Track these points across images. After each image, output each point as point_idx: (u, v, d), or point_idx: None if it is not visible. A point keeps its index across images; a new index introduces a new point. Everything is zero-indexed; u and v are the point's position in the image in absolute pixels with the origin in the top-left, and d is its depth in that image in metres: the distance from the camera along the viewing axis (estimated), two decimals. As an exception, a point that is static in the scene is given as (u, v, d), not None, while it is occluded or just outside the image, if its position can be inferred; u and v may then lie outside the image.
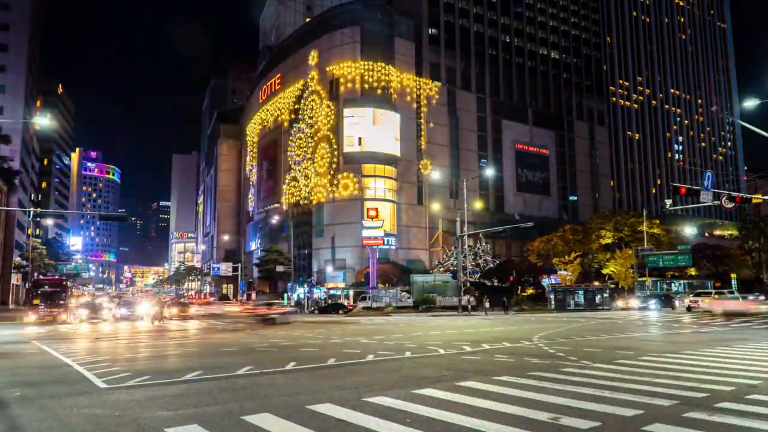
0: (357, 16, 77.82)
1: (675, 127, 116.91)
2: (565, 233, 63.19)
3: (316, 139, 77.45)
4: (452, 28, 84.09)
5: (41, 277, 55.30)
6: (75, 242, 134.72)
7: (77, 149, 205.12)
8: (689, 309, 43.51)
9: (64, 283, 41.68)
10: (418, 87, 78.49)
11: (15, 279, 72.47)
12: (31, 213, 74.60)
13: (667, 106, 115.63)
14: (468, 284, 50.87)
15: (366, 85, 75.00)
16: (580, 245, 62.27)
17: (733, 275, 67.94)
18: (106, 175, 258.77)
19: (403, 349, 17.16)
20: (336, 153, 74.70)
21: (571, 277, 61.34)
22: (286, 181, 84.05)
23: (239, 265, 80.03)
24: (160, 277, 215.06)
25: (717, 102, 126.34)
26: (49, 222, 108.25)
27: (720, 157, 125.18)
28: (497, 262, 64.08)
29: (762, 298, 43.05)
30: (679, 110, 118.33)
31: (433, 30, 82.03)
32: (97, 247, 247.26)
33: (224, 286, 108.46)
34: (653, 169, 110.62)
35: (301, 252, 78.58)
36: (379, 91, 75.04)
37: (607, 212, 75.81)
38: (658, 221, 66.51)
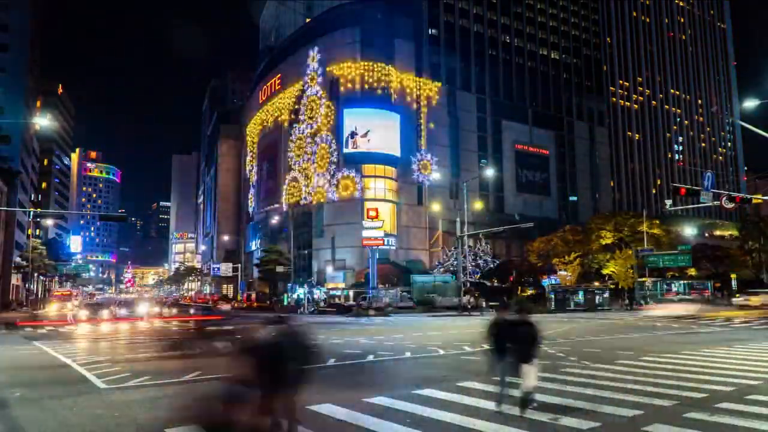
0: (357, 16, 77.82)
1: (675, 127, 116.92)
2: (565, 233, 63.17)
3: (316, 139, 77.49)
4: (452, 29, 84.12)
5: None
6: (75, 242, 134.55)
7: (77, 149, 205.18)
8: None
9: None
10: (418, 87, 78.46)
11: (15, 279, 72.50)
12: (31, 213, 74.62)
13: (667, 107, 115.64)
14: (468, 284, 50.86)
15: (366, 86, 75.02)
16: (580, 245, 62.24)
17: (733, 275, 68.01)
18: (106, 176, 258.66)
19: (403, 349, 17.16)
20: (336, 153, 74.73)
21: (571, 278, 61.32)
22: (286, 181, 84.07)
23: (239, 265, 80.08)
24: (160, 278, 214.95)
25: (717, 102, 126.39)
26: (49, 222, 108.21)
27: (720, 158, 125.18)
28: (497, 262, 64.08)
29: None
30: (679, 110, 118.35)
31: (433, 30, 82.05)
32: (97, 248, 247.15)
33: (224, 286, 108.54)
34: (653, 170, 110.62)
35: (301, 252, 78.55)
36: (379, 92, 75.05)
37: (607, 212, 75.76)
38: (658, 221, 66.46)
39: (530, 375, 8.08)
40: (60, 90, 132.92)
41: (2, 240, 66.35)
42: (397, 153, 74.71)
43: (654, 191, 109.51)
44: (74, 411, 8.68)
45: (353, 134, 73.30)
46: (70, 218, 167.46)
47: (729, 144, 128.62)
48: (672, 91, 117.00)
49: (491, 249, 66.92)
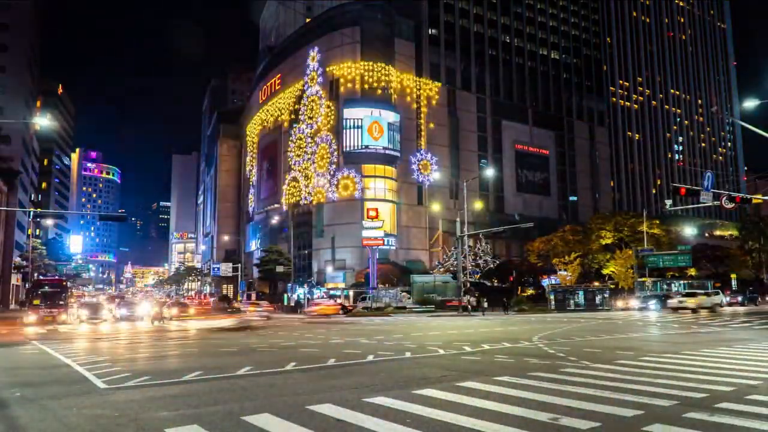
0: (357, 16, 77.88)
1: (675, 127, 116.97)
2: (565, 233, 63.17)
3: (316, 139, 77.51)
4: (452, 29, 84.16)
5: (41, 277, 55.05)
6: (75, 242, 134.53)
7: (77, 149, 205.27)
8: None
9: (64, 283, 41.43)
10: (418, 87, 78.50)
11: (15, 279, 72.50)
12: (31, 213, 74.63)
13: (667, 107, 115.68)
14: (468, 285, 50.83)
15: (366, 86, 75.06)
16: (580, 246, 62.25)
17: (733, 275, 68.07)
18: (106, 175, 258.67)
19: (403, 349, 17.16)
20: (336, 153, 74.74)
21: (571, 278, 61.31)
22: (286, 181, 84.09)
23: (239, 265, 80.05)
24: (160, 278, 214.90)
25: (717, 102, 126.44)
26: (49, 222, 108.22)
27: (720, 158, 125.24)
28: (497, 262, 64.03)
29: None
30: (679, 110, 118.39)
31: (433, 30, 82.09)
32: (97, 248, 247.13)
33: (224, 286, 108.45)
34: (653, 170, 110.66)
35: (301, 252, 78.57)
36: (379, 92, 75.08)
37: (607, 212, 75.83)
38: (658, 221, 66.53)
39: None
40: (60, 90, 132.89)
41: (2, 240, 66.38)
42: (397, 153, 74.72)
43: (654, 191, 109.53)
44: (74, 411, 8.68)
45: (353, 134, 73.27)
46: (70, 218, 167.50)
47: (729, 144, 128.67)
48: (672, 91, 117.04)
49: (491, 249, 66.91)
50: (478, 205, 76.15)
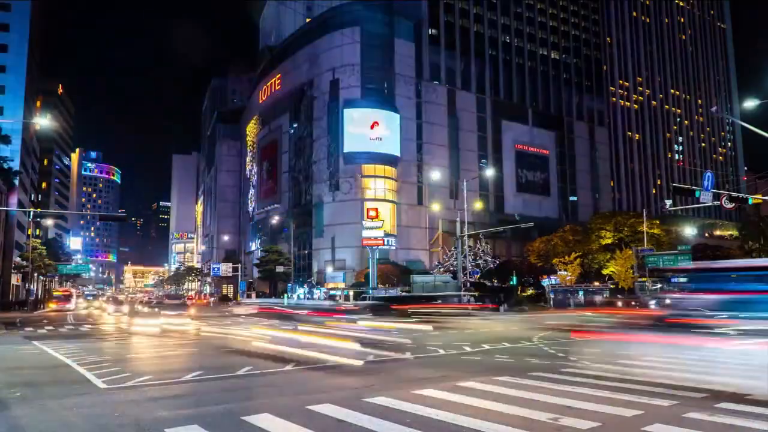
0: (357, 16, 77.89)
1: (675, 127, 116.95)
2: (565, 234, 63.12)
3: (315, 139, 77.53)
4: (452, 29, 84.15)
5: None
6: (75, 242, 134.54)
7: (77, 149, 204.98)
8: None
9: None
10: (418, 87, 78.50)
11: (15, 279, 72.46)
12: (31, 213, 74.60)
13: (667, 107, 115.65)
14: (468, 285, 50.82)
15: (366, 86, 75.07)
16: (580, 246, 62.19)
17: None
18: (106, 175, 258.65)
19: (403, 349, 17.15)
20: (336, 153, 74.75)
21: (571, 278, 61.25)
22: (286, 181, 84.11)
23: (239, 265, 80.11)
24: (160, 278, 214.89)
25: (717, 102, 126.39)
26: (49, 222, 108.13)
27: (720, 158, 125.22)
28: (497, 262, 64.01)
29: None
30: (679, 110, 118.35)
31: (433, 30, 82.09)
32: (97, 248, 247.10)
33: (224, 286, 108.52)
34: (653, 170, 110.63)
35: (301, 252, 78.57)
36: (379, 92, 75.09)
37: (607, 212, 75.76)
38: (658, 221, 66.48)
39: None
40: (60, 90, 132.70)
41: (2, 240, 66.38)
42: (397, 153, 74.72)
43: (654, 191, 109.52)
44: (74, 411, 8.68)
45: (353, 134, 73.26)
46: (70, 218, 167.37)
47: (729, 144, 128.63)
48: (672, 91, 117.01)
49: (491, 249, 66.88)
50: (478, 205, 76.13)
